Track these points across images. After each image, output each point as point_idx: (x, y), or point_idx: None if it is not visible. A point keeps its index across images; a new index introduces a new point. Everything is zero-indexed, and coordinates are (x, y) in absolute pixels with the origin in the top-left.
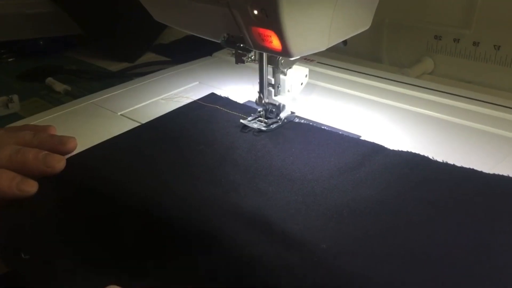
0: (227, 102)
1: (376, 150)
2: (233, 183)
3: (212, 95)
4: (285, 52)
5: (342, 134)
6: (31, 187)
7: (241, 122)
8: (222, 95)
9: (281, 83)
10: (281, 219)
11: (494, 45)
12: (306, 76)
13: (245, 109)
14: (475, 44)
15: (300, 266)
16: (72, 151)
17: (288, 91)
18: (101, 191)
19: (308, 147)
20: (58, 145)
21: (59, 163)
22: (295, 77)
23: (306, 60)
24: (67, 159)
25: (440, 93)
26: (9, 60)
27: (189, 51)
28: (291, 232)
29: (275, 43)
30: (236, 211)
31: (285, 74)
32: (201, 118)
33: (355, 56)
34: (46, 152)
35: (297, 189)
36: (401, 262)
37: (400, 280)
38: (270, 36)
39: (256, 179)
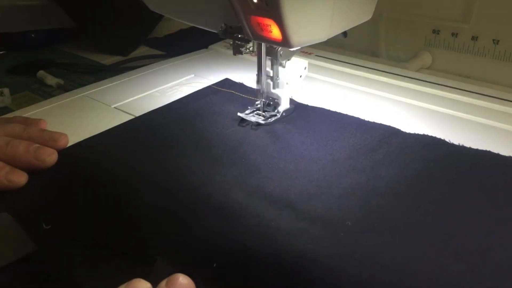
0: (241, 87)
1: (393, 133)
2: (254, 163)
3: (227, 80)
4: (285, 42)
5: (358, 118)
6: (20, 177)
7: (239, 116)
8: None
9: (279, 76)
10: (304, 197)
11: (493, 39)
12: (305, 68)
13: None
14: (474, 38)
15: (327, 240)
16: (63, 148)
17: (287, 83)
18: (108, 177)
19: (326, 130)
20: (48, 141)
21: (50, 156)
22: (294, 69)
23: (303, 53)
24: (65, 150)
25: (439, 86)
26: None
27: (184, 45)
28: (315, 210)
29: (275, 32)
30: (258, 190)
31: (283, 66)
32: (216, 102)
33: (352, 50)
34: (38, 145)
35: (318, 168)
36: (423, 239)
37: (422, 255)
38: (270, 25)
39: (276, 159)
